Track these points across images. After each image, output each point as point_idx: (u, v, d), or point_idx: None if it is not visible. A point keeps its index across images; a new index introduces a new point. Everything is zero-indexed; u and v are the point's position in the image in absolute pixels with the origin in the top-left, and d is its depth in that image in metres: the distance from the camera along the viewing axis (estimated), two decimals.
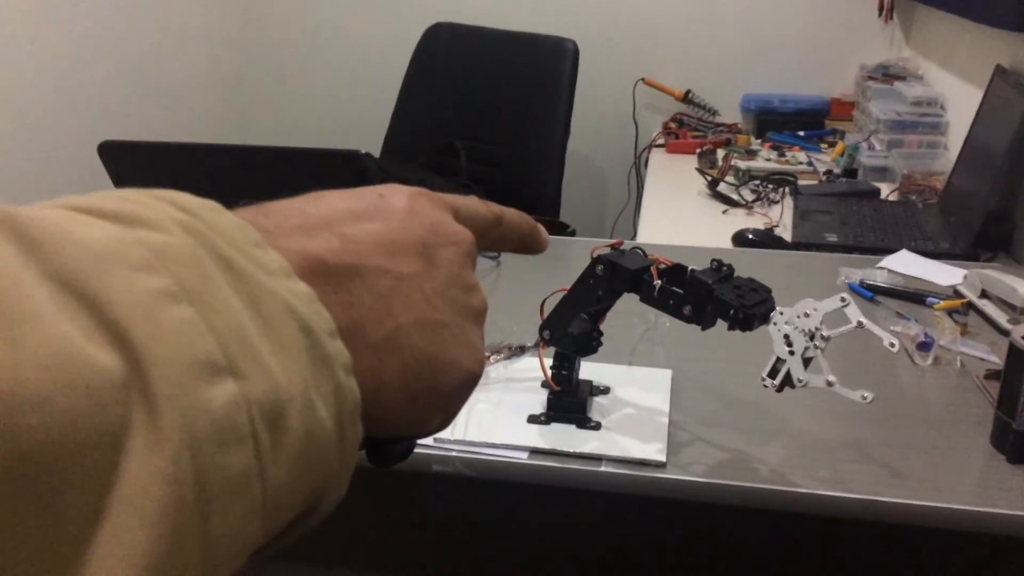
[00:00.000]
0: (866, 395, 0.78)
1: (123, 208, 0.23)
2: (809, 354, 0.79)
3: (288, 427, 0.23)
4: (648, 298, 0.85)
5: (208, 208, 0.25)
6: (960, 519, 0.84)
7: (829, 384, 0.79)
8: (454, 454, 0.91)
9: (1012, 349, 0.90)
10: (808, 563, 0.94)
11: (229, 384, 0.22)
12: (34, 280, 0.20)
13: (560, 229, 2.04)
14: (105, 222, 0.22)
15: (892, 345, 0.78)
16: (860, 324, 0.78)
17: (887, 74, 2.30)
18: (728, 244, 1.62)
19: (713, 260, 0.83)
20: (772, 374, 0.80)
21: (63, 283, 0.20)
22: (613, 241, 0.93)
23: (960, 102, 1.97)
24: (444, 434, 0.93)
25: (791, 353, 0.79)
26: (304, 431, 0.23)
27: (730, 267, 0.83)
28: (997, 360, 1.10)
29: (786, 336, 0.79)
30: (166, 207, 0.24)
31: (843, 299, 0.78)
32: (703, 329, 0.83)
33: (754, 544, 0.94)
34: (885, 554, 0.90)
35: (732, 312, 0.79)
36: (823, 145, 2.33)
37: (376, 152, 2.33)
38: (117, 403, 0.20)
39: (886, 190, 1.92)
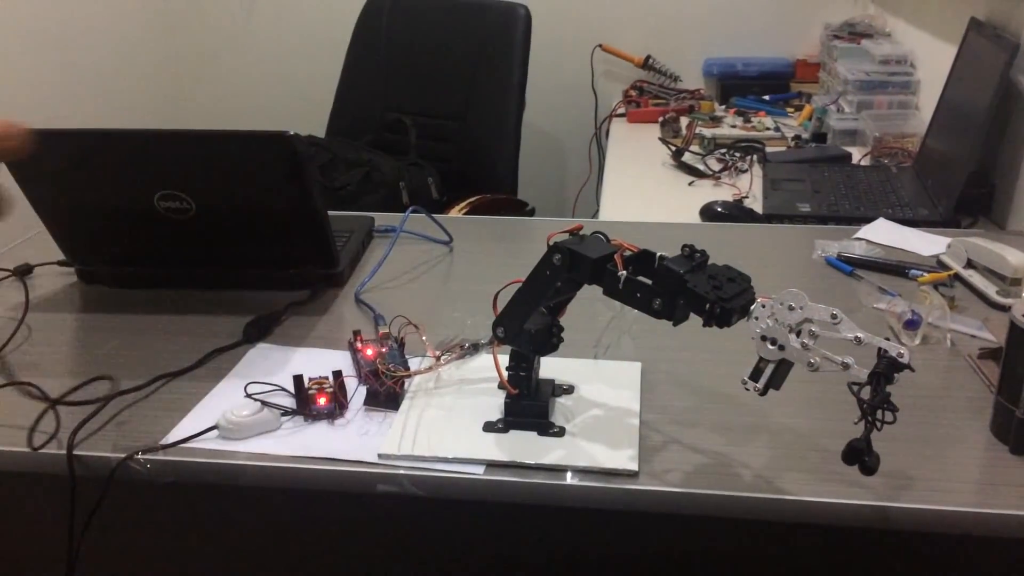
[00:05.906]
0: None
1: None
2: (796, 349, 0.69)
3: None
4: (612, 290, 0.76)
5: None
6: (963, 523, 0.75)
7: (845, 367, 0.67)
8: (401, 472, 0.81)
9: (1013, 328, 0.82)
10: (797, 573, 0.85)
11: None
12: None
13: (518, 208, 1.93)
14: None
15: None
16: (859, 340, 0.68)
17: (853, 32, 2.23)
18: (696, 218, 1.53)
19: (685, 246, 0.73)
20: (755, 375, 0.71)
21: None
22: (572, 225, 0.83)
23: (931, 59, 1.89)
24: (390, 448, 0.83)
25: (781, 348, 0.69)
26: None
27: (703, 253, 0.73)
28: (990, 337, 1.02)
29: (772, 338, 0.69)
30: None
31: (834, 316, 0.68)
32: (675, 324, 0.74)
33: (737, 556, 0.85)
34: (881, 560, 0.82)
35: (707, 306, 0.69)
36: (789, 109, 2.26)
37: (321, 132, 2.20)
38: None
39: (857, 154, 1.85)
